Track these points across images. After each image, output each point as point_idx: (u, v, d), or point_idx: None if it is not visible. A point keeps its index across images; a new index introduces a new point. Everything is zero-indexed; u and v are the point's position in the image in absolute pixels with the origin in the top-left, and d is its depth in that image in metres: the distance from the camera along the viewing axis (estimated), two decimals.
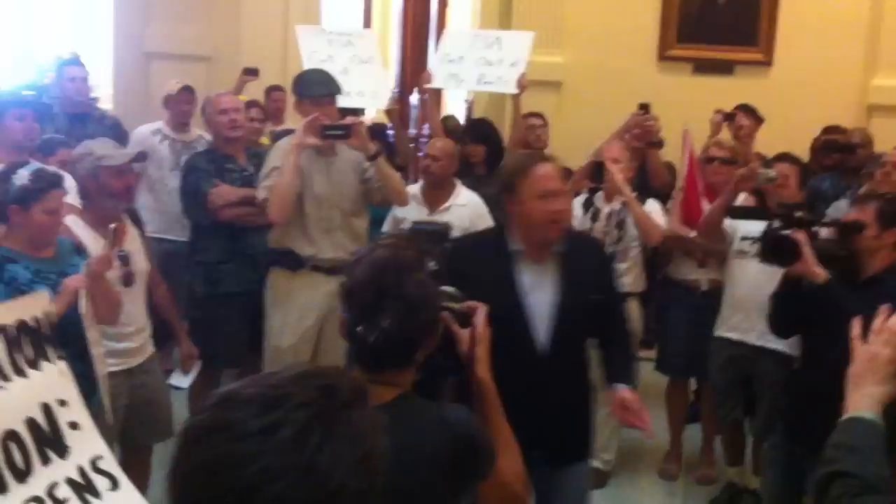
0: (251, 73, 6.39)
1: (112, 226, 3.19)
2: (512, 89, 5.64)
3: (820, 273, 3.34)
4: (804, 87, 6.75)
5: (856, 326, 1.78)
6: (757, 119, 6.02)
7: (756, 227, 4.02)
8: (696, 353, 4.60)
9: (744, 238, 4.29)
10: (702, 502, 4.63)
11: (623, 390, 3.02)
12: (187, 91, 5.54)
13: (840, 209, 4.56)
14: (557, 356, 3.00)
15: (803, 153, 5.92)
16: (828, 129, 5.90)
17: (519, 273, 3.02)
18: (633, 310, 4.69)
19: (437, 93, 6.14)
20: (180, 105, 5.54)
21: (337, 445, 1.01)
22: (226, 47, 7.34)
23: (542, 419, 2.90)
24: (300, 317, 4.14)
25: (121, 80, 7.37)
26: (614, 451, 4.85)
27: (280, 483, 0.97)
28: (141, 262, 3.62)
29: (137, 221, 3.80)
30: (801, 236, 3.38)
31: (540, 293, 3.01)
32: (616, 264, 4.54)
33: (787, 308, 3.60)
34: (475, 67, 5.69)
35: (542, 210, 2.95)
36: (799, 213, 3.57)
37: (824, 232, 3.55)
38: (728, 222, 4.36)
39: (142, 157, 4.20)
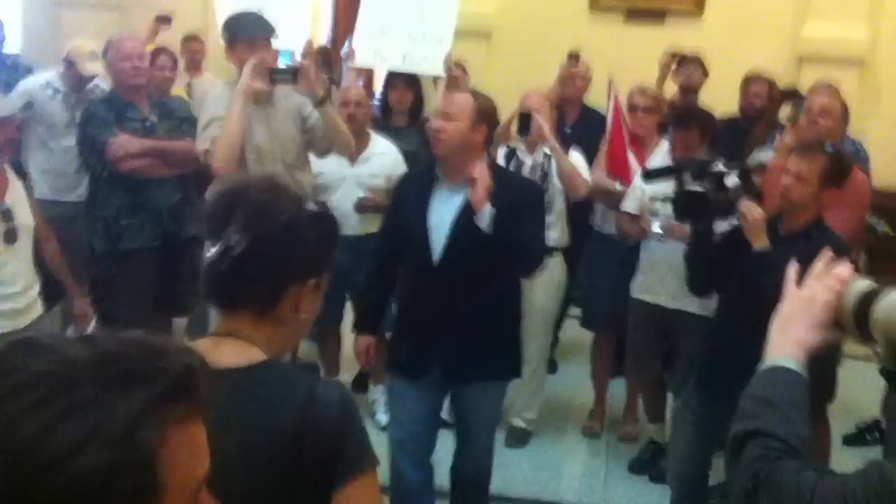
0: (164, 20, 6.08)
1: None
2: (439, 72, 5.27)
3: (765, 241, 3.27)
4: (735, 36, 6.64)
5: (792, 271, 1.59)
6: (704, 72, 5.91)
7: (664, 187, 3.96)
8: (620, 309, 4.49)
9: (653, 198, 4.18)
10: (624, 460, 4.53)
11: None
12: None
13: (759, 158, 4.48)
14: (451, 272, 3.23)
15: (733, 103, 5.86)
16: (750, 79, 5.79)
17: (432, 193, 3.32)
18: (558, 265, 4.58)
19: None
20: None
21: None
22: None
23: (436, 332, 3.27)
24: None
25: (30, 28, 7.01)
26: (537, 409, 4.74)
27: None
28: (25, 217, 3.38)
29: (22, 175, 3.53)
30: (753, 207, 3.30)
31: (444, 213, 3.27)
32: None
33: (700, 266, 3.51)
34: (399, 43, 5.32)
35: (430, 127, 3.34)
36: (712, 169, 3.48)
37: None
38: (638, 184, 4.26)
39: (28, 108, 3.94)
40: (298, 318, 1.66)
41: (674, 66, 5.82)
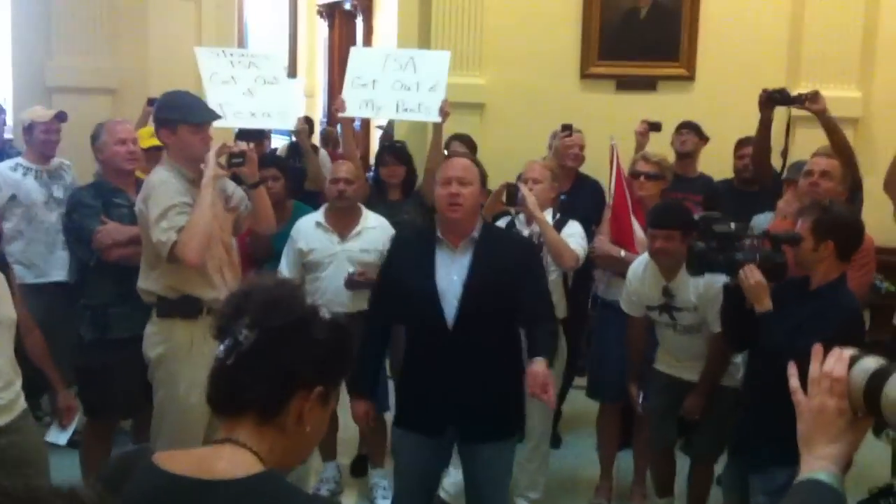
0: (154, 103, 6.06)
1: None
2: (435, 117, 5.23)
3: (766, 304, 3.36)
4: (727, 100, 6.62)
5: (792, 377, 1.51)
6: (701, 137, 5.88)
7: (654, 295, 4.09)
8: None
9: (649, 308, 4.19)
10: None
11: (536, 363, 3.25)
12: (59, 119, 5.15)
13: (762, 222, 4.43)
14: (466, 333, 3.33)
15: (728, 166, 5.82)
16: (742, 141, 5.75)
17: (435, 257, 3.42)
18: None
19: (352, 119, 5.78)
20: (51, 134, 5.07)
21: None
22: (133, 79, 7.01)
23: (452, 393, 3.34)
24: (208, 369, 3.74)
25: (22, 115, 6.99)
26: (541, 488, 4.60)
27: None
28: (6, 311, 3.29)
29: (3, 266, 3.45)
30: (752, 272, 3.38)
31: (452, 275, 3.39)
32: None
33: (731, 322, 3.59)
34: (391, 93, 5.23)
35: (441, 194, 3.40)
36: (719, 227, 3.52)
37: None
38: (632, 291, 4.26)
39: (13, 199, 3.91)
40: (303, 432, 1.56)
41: (650, 131, 5.77)
